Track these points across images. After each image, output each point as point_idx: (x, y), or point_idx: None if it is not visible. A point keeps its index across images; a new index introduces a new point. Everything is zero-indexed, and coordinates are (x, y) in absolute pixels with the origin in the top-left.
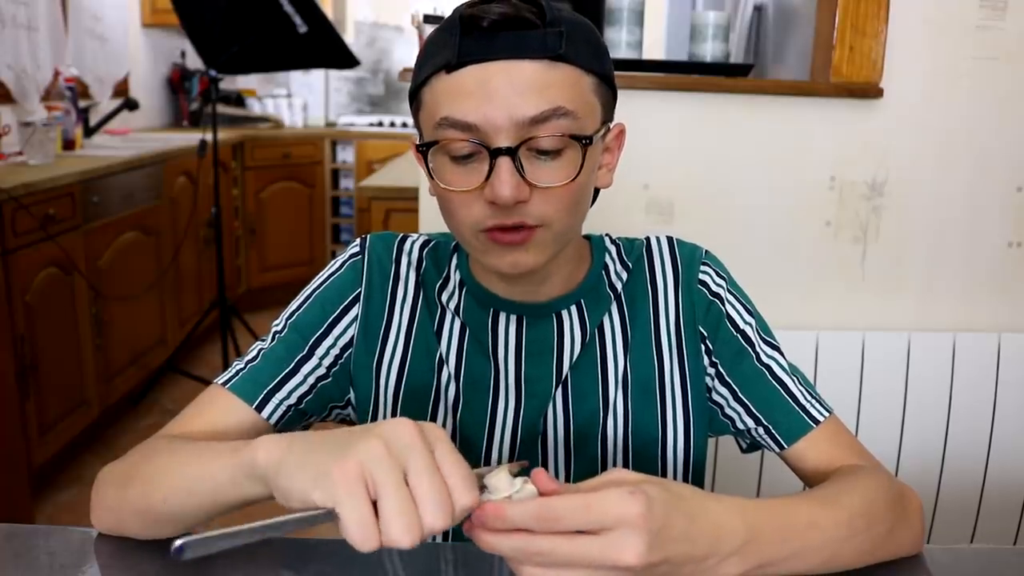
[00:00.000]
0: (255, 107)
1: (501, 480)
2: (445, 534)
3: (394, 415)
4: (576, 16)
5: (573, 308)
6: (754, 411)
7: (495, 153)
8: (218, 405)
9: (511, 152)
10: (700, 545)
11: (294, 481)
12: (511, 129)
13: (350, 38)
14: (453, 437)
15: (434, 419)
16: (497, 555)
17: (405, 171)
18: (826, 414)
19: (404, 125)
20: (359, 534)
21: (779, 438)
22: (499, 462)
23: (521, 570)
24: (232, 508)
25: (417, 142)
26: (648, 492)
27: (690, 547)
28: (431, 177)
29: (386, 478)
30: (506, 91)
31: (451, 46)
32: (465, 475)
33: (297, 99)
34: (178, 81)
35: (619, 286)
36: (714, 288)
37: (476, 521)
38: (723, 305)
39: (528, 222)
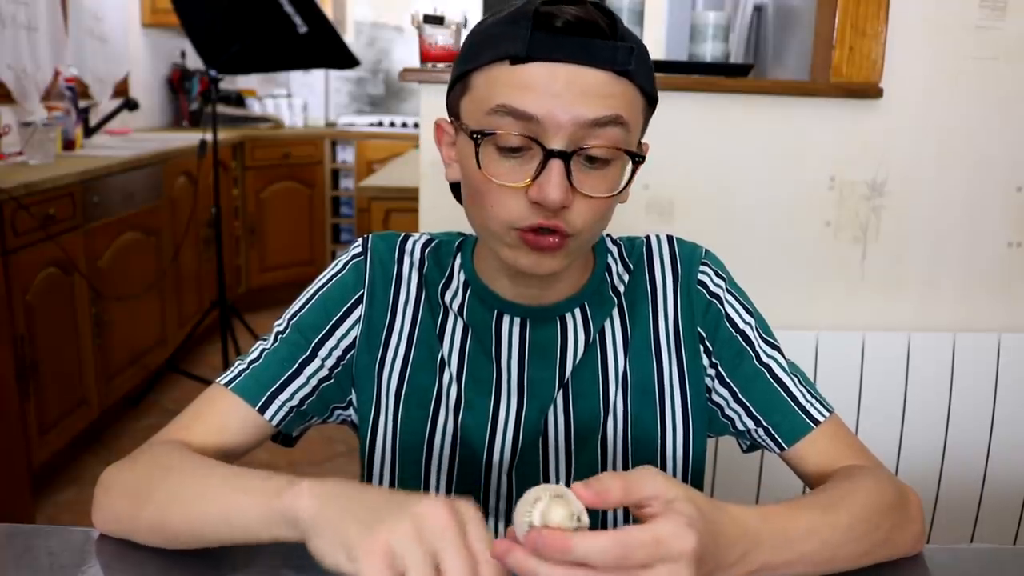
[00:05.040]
0: (255, 107)
1: (543, 508)
2: None
3: (395, 417)
4: (636, 36)
5: (577, 311)
6: (754, 412)
7: (549, 154)
8: (220, 406)
9: (565, 156)
10: (715, 560)
11: (325, 545)
12: (570, 129)
13: (350, 38)
14: (454, 439)
15: (435, 420)
16: None
17: (405, 171)
18: (827, 414)
19: (404, 125)
20: None
21: (779, 439)
22: (500, 464)
23: None
24: (261, 543)
25: (449, 122)
26: (695, 522)
27: (707, 565)
28: (478, 165)
29: (413, 563)
30: (572, 92)
31: (520, 39)
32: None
33: (297, 99)
34: (178, 81)
35: (621, 288)
36: (713, 288)
37: (531, 548)
38: (722, 305)
39: (564, 229)
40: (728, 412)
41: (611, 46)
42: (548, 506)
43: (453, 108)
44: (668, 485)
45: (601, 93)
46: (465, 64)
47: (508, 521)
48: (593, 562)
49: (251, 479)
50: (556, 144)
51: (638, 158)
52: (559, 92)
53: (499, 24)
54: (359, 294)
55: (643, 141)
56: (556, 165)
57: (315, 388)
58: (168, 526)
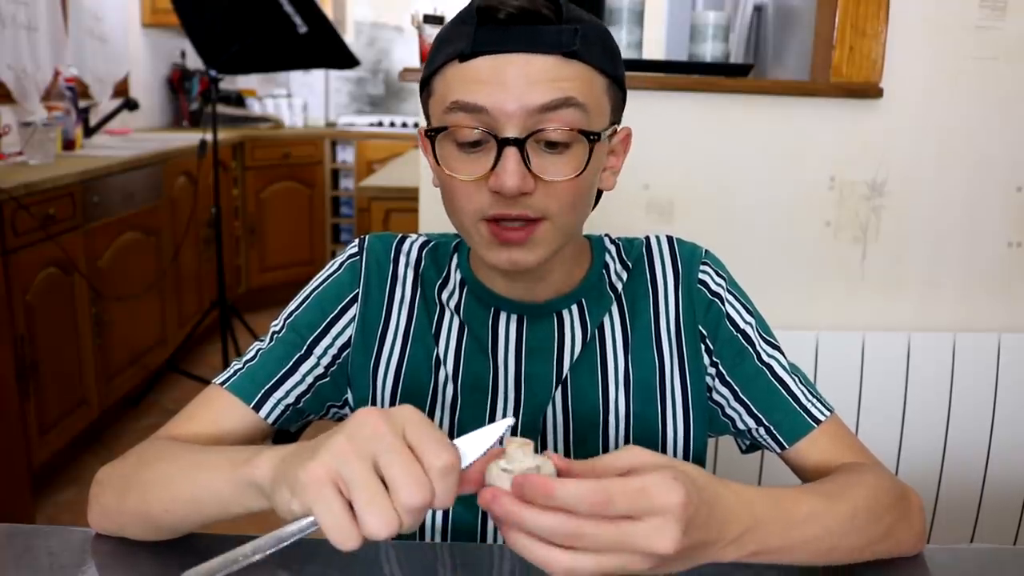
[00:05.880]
0: (255, 107)
1: (520, 453)
2: (444, 533)
3: None
4: (592, 18)
5: (574, 308)
6: (755, 411)
7: (503, 143)
8: (216, 405)
9: (519, 143)
10: (712, 532)
11: (278, 496)
12: (521, 117)
13: (350, 38)
14: (450, 437)
15: (431, 419)
16: (493, 539)
17: (405, 171)
18: (827, 413)
19: (404, 125)
20: (336, 535)
21: (780, 438)
22: None
23: (543, 552)
24: (237, 517)
25: (426, 128)
26: (684, 480)
27: (705, 534)
28: (437, 163)
29: (352, 473)
30: (519, 81)
31: (466, 36)
32: (435, 438)
33: (297, 99)
34: (178, 81)
35: (619, 286)
36: (714, 288)
37: (516, 492)
38: (723, 305)
39: (530, 214)
40: (728, 411)
41: (555, 30)
42: (524, 462)
43: (425, 115)
44: (655, 457)
45: (549, 77)
46: (426, 70)
47: None
48: (573, 508)
49: (219, 455)
50: (510, 133)
51: (593, 136)
52: (506, 82)
53: (450, 26)
54: (354, 293)
55: (622, 126)
56: (511, 153)
57: (311, 386)
58: (150, 513)
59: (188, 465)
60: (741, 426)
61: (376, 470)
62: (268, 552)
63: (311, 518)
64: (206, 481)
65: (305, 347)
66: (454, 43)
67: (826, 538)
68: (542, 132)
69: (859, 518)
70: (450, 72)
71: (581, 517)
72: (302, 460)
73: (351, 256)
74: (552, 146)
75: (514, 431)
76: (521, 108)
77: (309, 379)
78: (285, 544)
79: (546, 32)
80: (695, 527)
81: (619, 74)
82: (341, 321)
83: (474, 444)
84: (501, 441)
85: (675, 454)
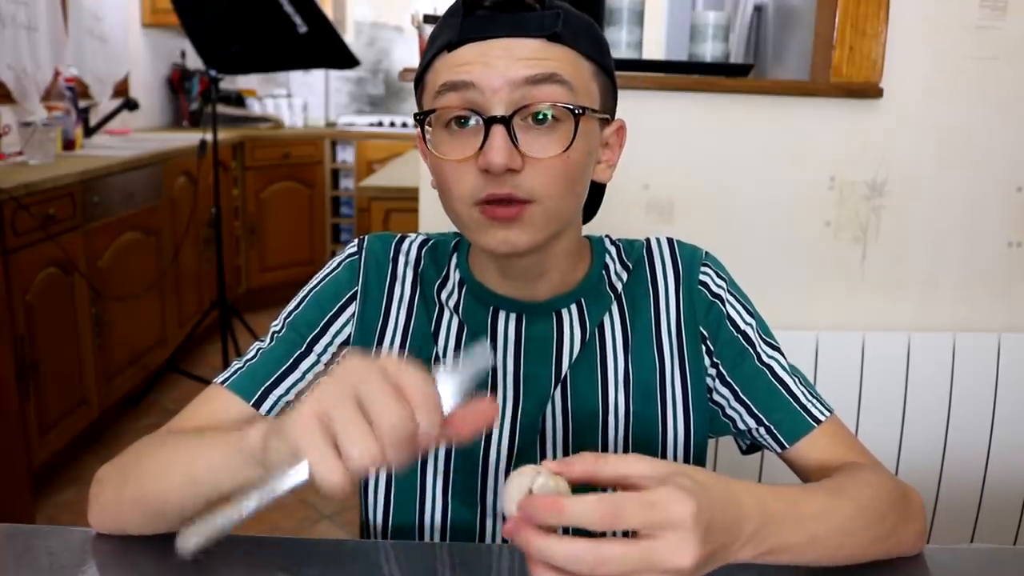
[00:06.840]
0: (255, 107)
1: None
2: (444, 533)
3: None
4: (578, 11)
5: (573, 307)
6: (755, 411)
7: (490, 121)
8: (216, 403)
9: (505, 121)
10: (730, 534)
11: (271, 450)
12: (507, 91)
13: (350, 38)
14: (449, 443)
15: None
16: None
17: (405, 171)
18: (827, 414)
19: (404, 125)
20: (322, 470)
21: (780, 438)
22: (497, 462)
23: None
24: (233, 493)
25: (416, 112)
26: (693, 490)
27: (720, 537)
28: (428, 147)
29: (336, 409)
30: (504, 60)
31: (454, 27)
32: (416, 374)
33: (297, 99)
34: (178, 81)
35: (619, 286)
36: (714, 289)
37: (525, 515)
38: (723, 306)
39: (518, 194)
40: (729, 412)
41: (538, 15)
42: (533, 480)
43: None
44: (656, 465)
45: (535, 56)
46: (418, 69)
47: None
48: (584, 523)
49: (214, 434)
50: (496, 111)
51: (578, 111)
52: (492, 61)
53: (439, 23)
54: (352, 291)
55: (617, 117)
56: (498, 131)
57: (311, 383)
58: (147, 498)
59: (184, 447)
60: (741, 426)
61: (361, 408)
62: (263, 505)
63: (302, 464)
64: (202, 458)
65: (305, 345)
66: (443, 36)
67: (835, 536)
68: (528, 108)
69: (864, 516)
70: (439, 63)
71: (603, 541)
72: (292, 412)
73: (350, 255)
74: (539, 123)
75: (513, 431)
76: (507, 82)
77: (309, 376)
78: (279, 495)
79: (530, 17)
80: (712, 533)
81: (607, 63)
82: (340, 319)
83: (454, 381)
84: (484, 385)
85: (675, 454)
